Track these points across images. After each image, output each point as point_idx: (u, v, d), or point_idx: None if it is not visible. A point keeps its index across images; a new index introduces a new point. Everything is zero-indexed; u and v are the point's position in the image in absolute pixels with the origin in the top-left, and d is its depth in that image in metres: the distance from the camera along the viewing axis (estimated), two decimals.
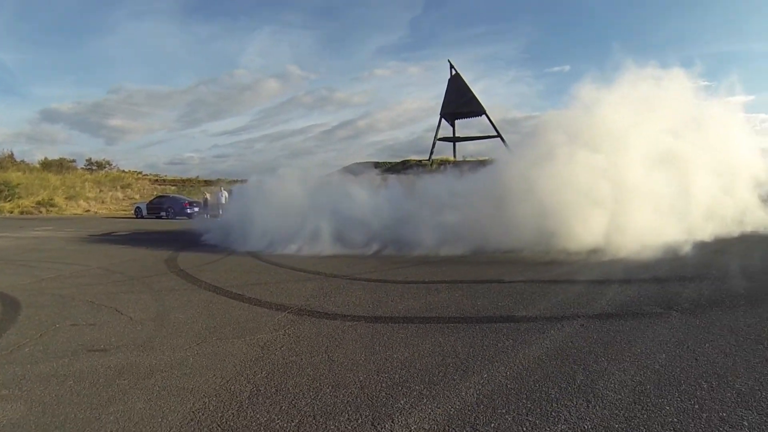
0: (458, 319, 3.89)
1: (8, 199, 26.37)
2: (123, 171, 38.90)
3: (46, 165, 34.92)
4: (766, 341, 3.17)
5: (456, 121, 34.23)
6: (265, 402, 2.38)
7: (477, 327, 3.64)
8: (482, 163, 16.48)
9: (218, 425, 2.16)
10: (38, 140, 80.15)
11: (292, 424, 2.16)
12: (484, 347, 3.16)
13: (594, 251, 7.22)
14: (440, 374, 2.70)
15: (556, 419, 2.17)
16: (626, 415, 2.20)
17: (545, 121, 11.43)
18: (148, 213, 22.63)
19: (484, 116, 32.98)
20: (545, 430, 2.08)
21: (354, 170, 14.80)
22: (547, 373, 2.69)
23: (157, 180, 38.11)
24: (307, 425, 2.15)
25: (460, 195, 9.20)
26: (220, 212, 23.33)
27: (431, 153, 34.02)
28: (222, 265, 7.07)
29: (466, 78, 33.69)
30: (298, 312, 4.12)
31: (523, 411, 2.25)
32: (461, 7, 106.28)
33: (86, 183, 32.65)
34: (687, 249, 7.02)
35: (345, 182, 11.43)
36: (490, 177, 9.56)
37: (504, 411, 2.25)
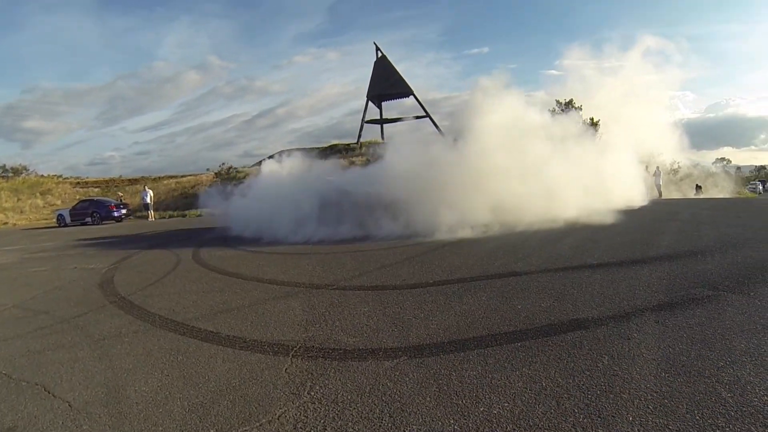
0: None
1: None
2: (42, 176, 34.91)
3: None
4: None
5: (383, 103, 34.29)
6: None
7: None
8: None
9: None
10: None
11: None
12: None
13: None
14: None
15: None
16: None
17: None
18: (72, 220, 19.87)
19: (411, 97, 33.14)
20: None
21: (280, 158, 14.12)
22: None
23: (78, 183, 34.20)
24: None
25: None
26: (149, 212, 21.22)
27: (359, 136, 34.61)
28: (170, 282, 5.82)
29: None
30: (308, 356, 3.09)
31: None
32: None
33: (2, 192, 28.91)
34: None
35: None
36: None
37: None
